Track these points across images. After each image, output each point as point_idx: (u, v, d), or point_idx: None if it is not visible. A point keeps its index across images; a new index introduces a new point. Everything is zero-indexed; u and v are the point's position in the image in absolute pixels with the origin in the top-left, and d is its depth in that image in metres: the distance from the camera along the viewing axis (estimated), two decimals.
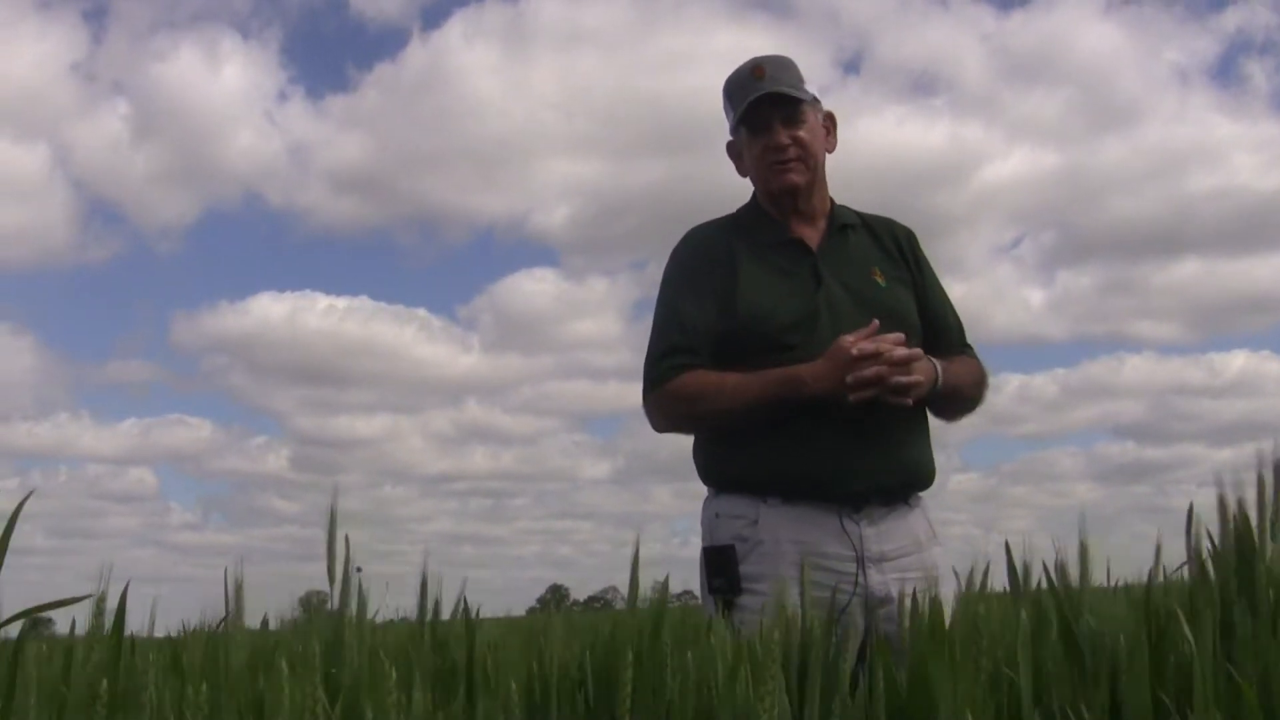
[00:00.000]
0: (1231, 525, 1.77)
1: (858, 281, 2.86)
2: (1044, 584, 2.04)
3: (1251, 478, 1.87)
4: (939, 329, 2.96)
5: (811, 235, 2.91)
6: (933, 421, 2.92)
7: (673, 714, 1.74)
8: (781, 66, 2.90)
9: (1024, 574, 1.93)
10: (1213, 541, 1.83)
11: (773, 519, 2.70)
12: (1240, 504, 1.82)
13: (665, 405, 2.84)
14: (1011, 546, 2.21)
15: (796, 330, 2.75)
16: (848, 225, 2.95)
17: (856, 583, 2.65)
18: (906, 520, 2.78)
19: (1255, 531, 1.78)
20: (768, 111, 2.85)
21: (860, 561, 2.67)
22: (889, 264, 2.93)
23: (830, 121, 2.97)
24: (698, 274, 2.88)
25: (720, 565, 2.69)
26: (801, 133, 2.86)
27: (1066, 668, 1.76)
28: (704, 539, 2.80)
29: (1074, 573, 1.92)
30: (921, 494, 2.86)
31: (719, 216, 3.02)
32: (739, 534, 2.71)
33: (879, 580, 2.67)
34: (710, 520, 2.80)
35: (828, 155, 2.97)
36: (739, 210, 3.01)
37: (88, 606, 1.73)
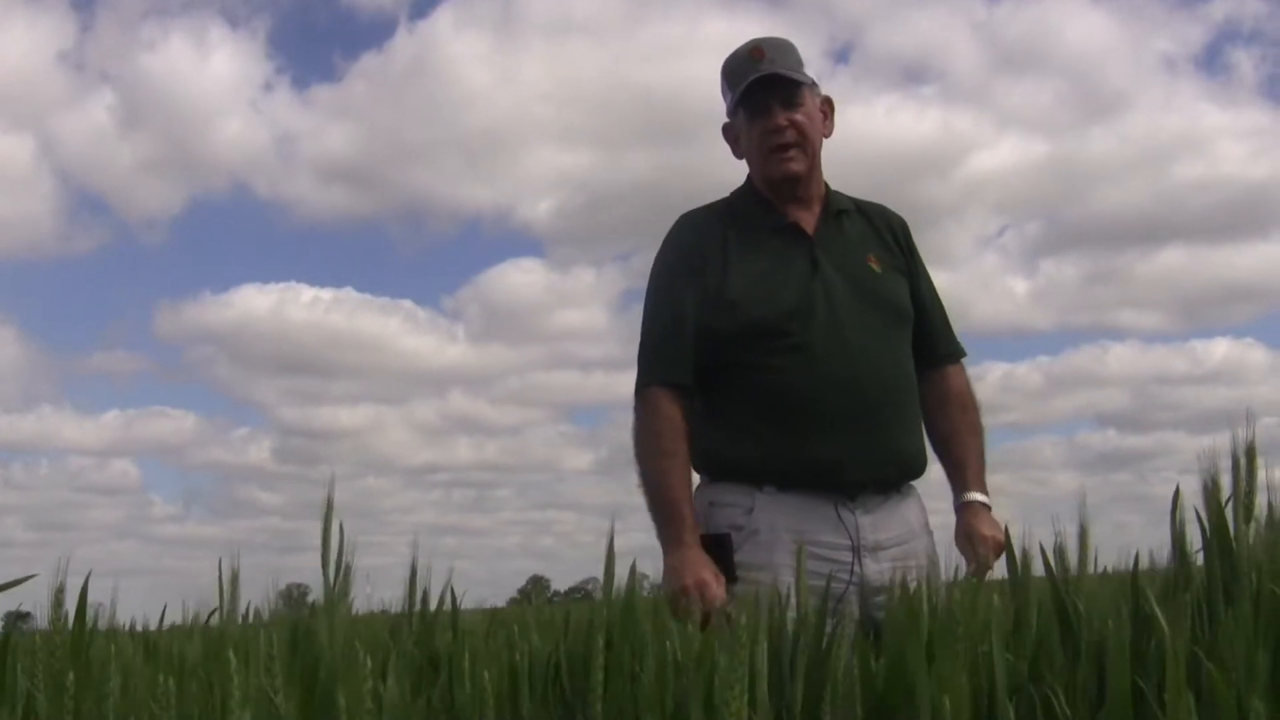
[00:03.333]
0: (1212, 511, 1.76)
1: (854, 268, 2.84)
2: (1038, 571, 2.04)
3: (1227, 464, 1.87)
4: (925, 321, 2.94)
5: (808, 220, 2.88)
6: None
7: (641, 701, 1.73)
8: (781, 49, 2.87)
9: (1022, 561, 1.93)
10: (1203, 526, 1.82)
11: (768, 507, 2.69)
12: (1215, 488, 1.82)
13: (638, 418, 2.82)
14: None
15: (793, 317, 2.74)
16: (843, 211, 2.93)
17: (852, 571, 2.64)
18: (901, 509, 2.77)
19: (1230, 516, 1.77)
20: (766, 94, 2.82)
21: (856, 550, 2.67)
22: (884, 251, 2.92)
23: (828, 106, 2.94)
24: (691, 261, 2.85)
25: (716, 553, 2.67)
26: (799, 116, 2.83)
27: (1057, 652, 1.76)
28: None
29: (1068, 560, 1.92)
30: (914, 482, 2.85)
31: (712, 202, 2.99)
32: (734, 522, 2.70)
33: (875, 569, 2.66)
34: (705, 508, 2.77)
35: (825, 140, 2.93)
36: (733, 194, 2.98)
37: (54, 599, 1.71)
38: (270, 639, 1.32)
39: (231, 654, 1.25)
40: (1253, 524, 1.78)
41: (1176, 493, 1.87)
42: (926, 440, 2.90)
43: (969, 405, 2.96)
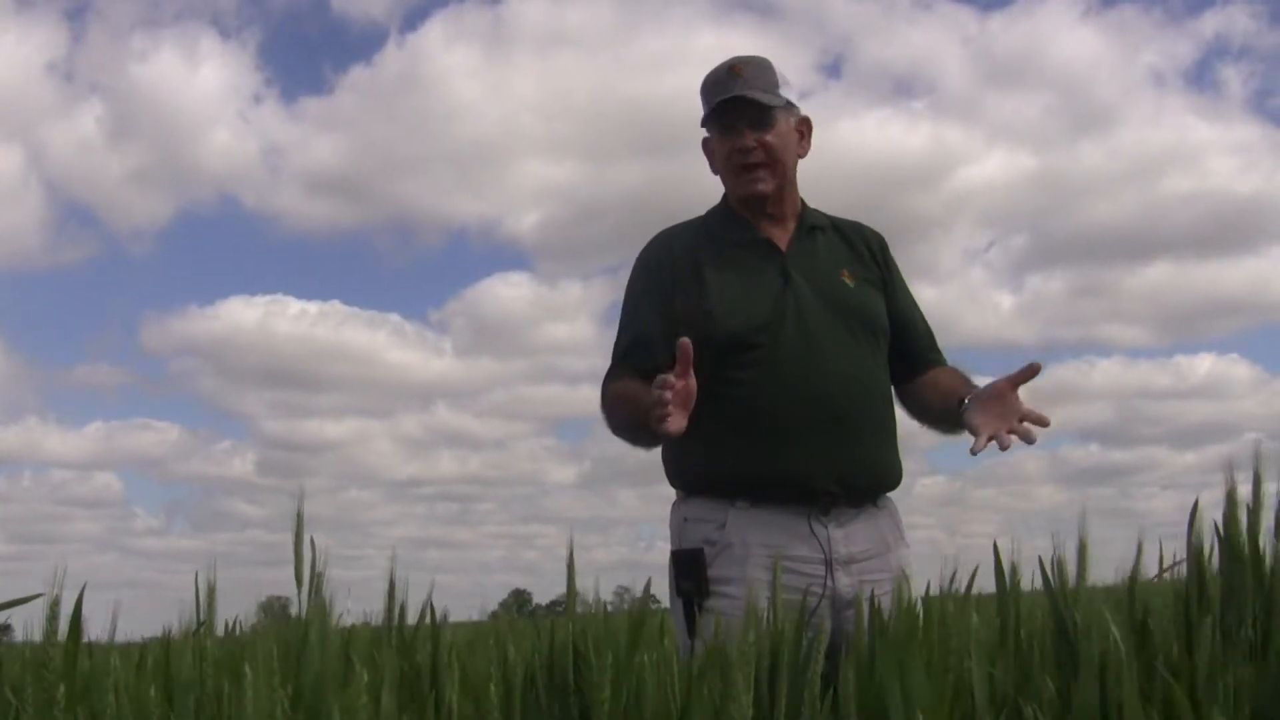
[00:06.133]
0: (1242, 527, 1.75)
1: (826, 282, 2.84)
2: (1021, 585, 2.04)
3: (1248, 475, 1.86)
4: (907, 334, 2.95)
5: (780, 236, 2.88)
6: (900, 424, 2.92)
7: (644, 716, 1.73)
8: (758, 69, 2.86)
9: (1012, 573, 1.92)
10: (1220, 538, 1.81)
11: (741, 522, 2.68)
12: (1233, 503, 1.81)
13: (604, 414, 2.82)
14: (990, 548, 2.21)
15: (763, 330, 2.74)
16: (817, 227, 2.93)
17: (825, 585, 2.63)
18: (874, 522, 2.77)
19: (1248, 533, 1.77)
20: (736, 114, 2.82)
21: (828, 564, 2.66)
22: (858, 266, 2.92)
23: (805, 126, 2.93)
24: (662, 278, 2.85)
25: (688, 568, 2.67)
26: (769, 138, 2.83)
27: (1053, 666, 1.76)
28: (673, 542, 2.78)
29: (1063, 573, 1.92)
30: (890, 495, 2.85)
31: (688, 219, 2.99)
32: (707, 537, 2.69)
33: (847, 583, 2.66)
34: (679, 524, 2.78)
35: (801, 160, 2.93)
36: (708, 211, 2.98)
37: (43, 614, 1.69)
38: (271, 653, 1.31)
39: (247, 668, 1.23)
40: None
41: (1195, 506, 1.86)
42: (903, 453, 2.88)
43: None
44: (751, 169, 2.83)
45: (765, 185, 2.85)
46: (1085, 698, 1.62)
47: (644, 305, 2.86)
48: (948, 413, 2.76)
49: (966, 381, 2.82)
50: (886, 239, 3.04)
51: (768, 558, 2.58)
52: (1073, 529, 2.11)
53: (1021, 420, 2.56)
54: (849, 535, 2.70)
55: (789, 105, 2.87)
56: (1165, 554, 2.01)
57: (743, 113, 2.82)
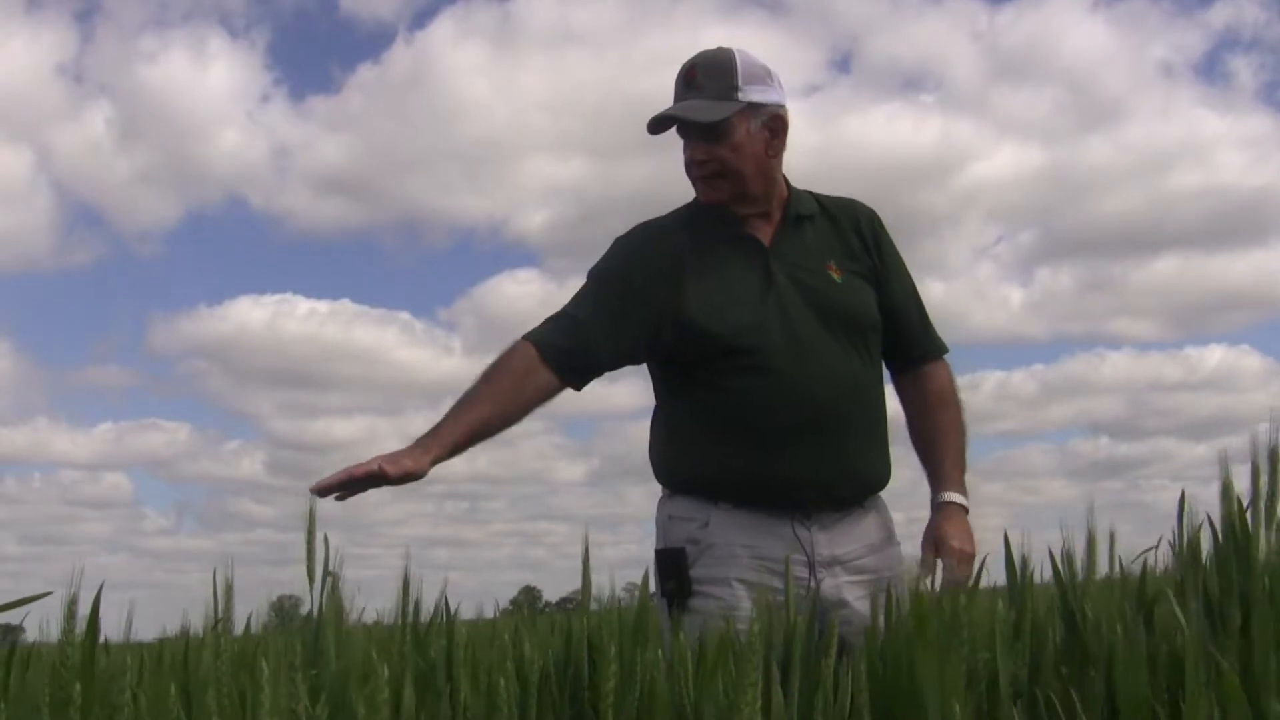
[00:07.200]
0: (1234, 516, 1.76)
1: (812, 279, 2.77)
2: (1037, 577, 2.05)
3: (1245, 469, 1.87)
4: (900, 322, 2.88)
5: (765, 230, 2.80)
6: (893, 420, 2.89)
7: (654, 710, 1.74)
8: (714, 72, 2.74)
9: (1023, 565, 1.93)
10: (1214, 529, 1.82)
11: (723, 523, 2.66)
12: (1231, 493, 1.82)
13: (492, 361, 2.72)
14: (998, 541, 2.22)
15: (747, 333, 2.69)
16: (804, 216, 2.83)
17: (809, 587, 2.60)
18: (860, 523, 2.74)
19: (1249, 521, 1.78)
20: (687, 123, 2.75)
21: (811, 566, 2.64)
22: (847, 256, 2.83)
23: (776, 123, 2.77)
24: (631, 281, 2.77)
25: (671, 567, 2.66)
26: (722, 149, 2.72)
27: (1063, 657, 1.77)
28: (658, 540, 2.76)
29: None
30: (879, 494, 2.82)
31: (672, 211, 2.90)
32: (690, 536, 2.68)
33: (831, 584, 2.64)
34: (664, 522, 2.76)
35: (774, 159, 2.79)
36: (693, 202, 2.87)
37: (59, 614, 1.71)
38: (294, 648, 1.32)
39: (264, 663, 1.25)
40: (1275, 528, 1.78)
41: (1183, 497, 1.88)
42: (895, 451, 2.86)
43: (949, 403, 2.91)
44: (705, 179, 2.77)
45: (719, 194, 2.77)
46: (1095, 688, 1.64)
47: (603, 306, 2.76)
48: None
49: (940, 474, 2.85)
50: (881, 217, 2.94)
51: (750, 559, 2.59)
52: (1081, 522, 2.12)
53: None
54: (833, 538, 2.68)
55: (751, 106, 2.73)
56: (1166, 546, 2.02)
57: (694, 122, 2.73)
